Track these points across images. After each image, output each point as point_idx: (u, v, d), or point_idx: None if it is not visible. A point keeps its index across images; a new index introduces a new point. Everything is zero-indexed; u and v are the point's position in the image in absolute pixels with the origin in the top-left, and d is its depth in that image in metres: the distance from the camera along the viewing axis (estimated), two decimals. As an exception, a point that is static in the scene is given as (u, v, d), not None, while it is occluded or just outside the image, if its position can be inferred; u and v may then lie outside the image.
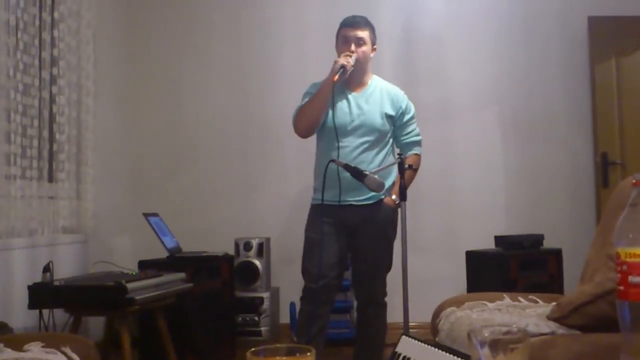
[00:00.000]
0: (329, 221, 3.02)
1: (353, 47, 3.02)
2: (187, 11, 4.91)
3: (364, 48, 3.04)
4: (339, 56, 3.02)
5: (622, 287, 1.08)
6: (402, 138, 3.13)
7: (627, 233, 1.08)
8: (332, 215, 3.02)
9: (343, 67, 2.92)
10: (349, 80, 3.06)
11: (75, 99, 3.70)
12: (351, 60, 2.95)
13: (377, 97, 3.09)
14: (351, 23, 3.07)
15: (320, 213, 3.03)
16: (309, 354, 0.87)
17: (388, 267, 3.11)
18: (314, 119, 3.03)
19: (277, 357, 0.87)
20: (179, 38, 4.89)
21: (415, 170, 3.02)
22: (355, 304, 3.26)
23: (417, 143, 3.17)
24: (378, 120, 3.04)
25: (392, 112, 3.08)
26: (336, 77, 2.89)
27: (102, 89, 4.11)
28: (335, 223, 3.02)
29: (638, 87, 4.55)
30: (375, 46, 3.13)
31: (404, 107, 3.11)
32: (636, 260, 1.06)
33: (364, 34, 3.05)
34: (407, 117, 3.12)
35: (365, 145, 3.01)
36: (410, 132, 3.14)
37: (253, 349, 0.88)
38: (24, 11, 3.16)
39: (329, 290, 3.01)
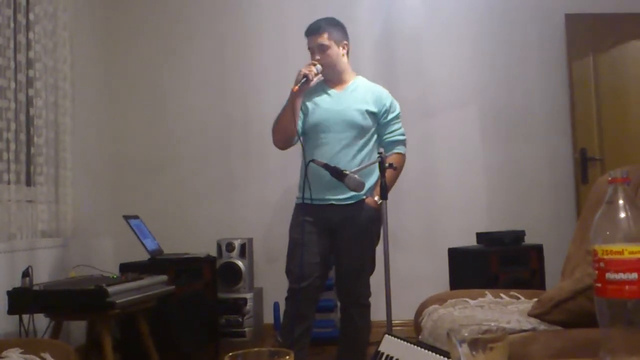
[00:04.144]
0: (311, 221, 3.02)
1: (317, 56, 3.07)
2: (166, 11, 4.88)
3: (328, 52, 3.07)
4: None
5: (599, 284, 1.09)
6: (385, 137, 3.12)
7: (603, 230, 1.09)
8: (313, 214, 3.02)
9: (305, 76, 2.97)
10: (328, 79, 3.14)
11: (53, 102, 3.65)
12: (314, 69, 2.99)
13: (359, 93, 3.10)
14: (310, 32, 3.12)
15: (301, 213, 3.04)
16: (287, 357, 0.86)
17: (371, 268, 3.10)
18: (284, 131, 3.07)
19: (255, 362, 0.86)
20: (158, 39, 4.86)
21: (398, 169, 3.01)
22: (338, 303, 3.26)
23: (401, 142, 3.16)
24: (357, 116, 3.03)
25: (374, 109, 3.07)
26: (296, 87, 2.95)
27: (80, 91, 4.07)
28: (316, 223, 3.02)
29: (615, 83, 4.60)
30: (345, 42, 3.14)
31: (387, 105, 3.11)
32: (613, 257, 1.06)
33: (323, 39, 3.08)
34: (391, 115, 3.12)
35: (345, 142, 3.02)
36: (393, 131, 3.13)
37: (231, 354, 0.87)
38: (-2, 13, 3.12)
39: (313, 291, 3.00)
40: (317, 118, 3.08)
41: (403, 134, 3.17)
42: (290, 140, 3.12)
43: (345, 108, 3.05)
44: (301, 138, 3.09)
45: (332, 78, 3.15)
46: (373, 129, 3.09)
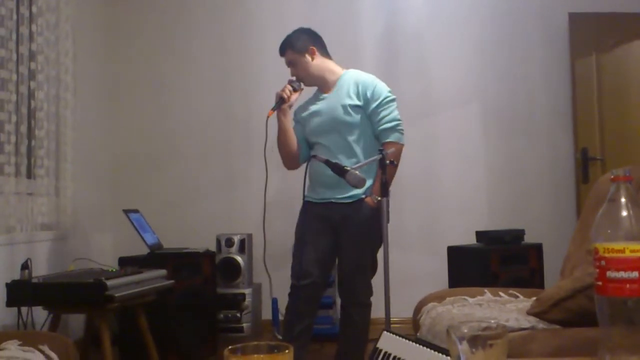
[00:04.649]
0: (314, 219, 3.02)
1: (291, 70, 3.16)
2: (168, 6, 4.87)
3: (296, 67, 3.13)
4: None
5: (600, 283, 1.08)
6: (376, 126, 3.01)
7: (605, 228, 1.09)
8: (316, 212, 3.03)
9: (281, 97, 3.05)
10: (317, 86, 3.19)
11: (54, 94, 3.65)
12: (289, 87, 3.07)
13: (344, 90, 3.06)
14: (279, 53, 3.19)
15: (305, 210, 3.05)
16: (287, 351, 0.86)
17: (372, 268, 3.07)
18: (284, 152, 3.17)
19: (255, 355, 0.85)
20: (160, 33, 4.85)
21: (396, 164, 2.94)
22: (338, 300, 3.25)
23: (393, 129, 2.99)
24: (341, 114, 3.00)
25: (358, 102, 3.01)
26: (271, 112, 3.04)
27: (82, 84, 4.06)
28: (318, 221, 3.03)
29: (618, 83, 4.59)
30: (311, 47, 3.12)
31: (369, 94, 3.00)
32: (614, 256, 1.06)
33: (288, 56, 3.15)
34: (374, 104, 2.99)
35: (338, 141, 3.01)
36: (382, 118, 2.99)
37: (231, 347, 0.87)
38: (1, 5, 3.11)
39: (313, 288, 2.99)
40: (312, 125, 3.11)
41: (393, 120, 3.00)
42: (296, 161, 3.19)
43: (332, 108, 3.05)
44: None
45: (318, 84, 3.18)
46: (364, 123, 3.02)
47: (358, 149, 3.00)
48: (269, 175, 4.64)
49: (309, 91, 3.24)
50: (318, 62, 3.13)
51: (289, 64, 3.15)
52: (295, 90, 3.09)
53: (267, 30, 4.79)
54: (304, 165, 2.98)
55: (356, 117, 3.00)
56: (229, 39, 4.85)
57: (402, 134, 3.03)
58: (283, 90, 3.05)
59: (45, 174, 3.54)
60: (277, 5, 4.82)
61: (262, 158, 4.67)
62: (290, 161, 3.20)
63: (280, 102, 3.04)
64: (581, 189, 4.58)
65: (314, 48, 3.13)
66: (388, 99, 3.03)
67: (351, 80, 3.09)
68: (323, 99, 3.12)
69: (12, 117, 3.18)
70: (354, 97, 3.02)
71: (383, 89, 3.04)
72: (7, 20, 3.17)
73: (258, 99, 4.69)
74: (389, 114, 3.01)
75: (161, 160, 4.78)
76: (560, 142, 4.78)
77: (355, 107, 3.01)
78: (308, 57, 3.12)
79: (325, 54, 3.18)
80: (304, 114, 3.16)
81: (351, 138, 3.00)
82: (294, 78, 3.14)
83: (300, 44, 3.12)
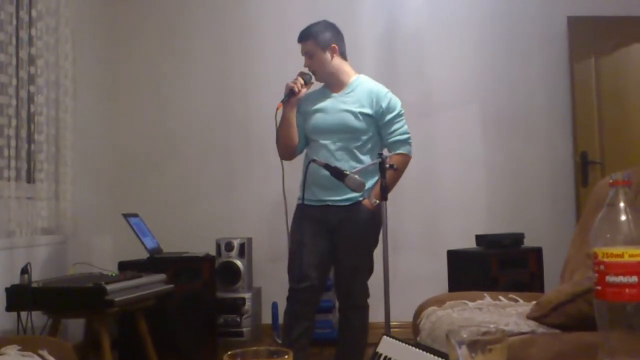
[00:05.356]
0: (310, 221, 3.02)
1: (307, 61, 3.13)
2: (168, 8, 4.87)
3: (313, 60, 3.10)
4: None
5: (599, 287, 1.09)
6: (387, 138, 3.07)
7: (604, 233, 1.09)
8: (313, 215, 3.02)
9: (291, 89, 3.03)
10: (327, 82, 3.16)
11: (54, 98, 3.65)
12: (300, 80, 3.05)
13: (356, 96, 3.07)
14: (298, 39, 3.15)
15: (301, 213, 3.05)
16: (286, 356, 0.86)
17: (369, 270, 3.08)
18: (284, 144, 3.14)
19: (254, 361, 0.86)
20: (159, 36, 4.86)
21: (399, 170, 2.97)
22: (337, 304, 3.25)
23: (403, 142, 3.08)
24: (350, 118, 3.01)
25: (369, 111, 3.03)
26: (280, 104, 3.03)
27: (82, 87, 4.06)
28: (315, 223, 3.02)
29: (617, 86, 4.60)
30: (333, 45, 3.10)
31: (384, 106, 3.05)
32: (613, 260, 1.06)
33: (307, 46, 3.11)
34: (389, 116, 3.05)
35: (340, 144, 3.01)
36: (394, 131, 3.06)
37: (230, 352, 0.87)
38: (1, 9, 3.12)
39: (312, 291, 2.99)
40: (314, 122, 3.10)
41: (404, 133, 3.09)
42: (293, 152, 3.17)
43: (339, 111, 3.05)
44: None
45: (328, 81, 3.16)
46: (371, 131, 3.05)
47: (359, 156, 3.02)
48: (271, 174, 4.67)
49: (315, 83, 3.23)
50: (336, 62, 3.12)
51: (306, 54, 3.12)
52: (306, 83, 3.08)
53: (267, 30, 4.81)
54: (305, 165, 2.96)
55: (364, 125, 3.03)
56: (229, 39, 4.85)
57: (411, 146, 3.12)
58: (294, 83, 3.04)
59: (45, 178, 3.53)
60: (277, 5, 4.83)
61: (262, 160, 4.72)
62: (288, 152, 3.18)
63: (290, 94, 3.03)
64: (581, 193, 4.59)
65: (336, 47, 3.12)
66: (401, 112, 3.10)
67: (364, 87, 3.10)
68: (331, 97, 3.11)
69: (12, 121, 3.18)
70: (366, 105, 3.04)
71: (397, 102, 3.11)
72: (7, 25, 3.17)
73: (258, 99, 4.70)
74: (400, 127, 3.09)
75: (161, 164, 4.78)
76: (559, 145, 4.78)
77: (365, 115, 3.03)
78: (328, 55, 3.10)
79: (343, 54, 3.17)
80: (308, 107, 3.15)
81: (355, 144, 3.02)
82: (305, 69, 3.12)
83: (323, 39, 3.09)
